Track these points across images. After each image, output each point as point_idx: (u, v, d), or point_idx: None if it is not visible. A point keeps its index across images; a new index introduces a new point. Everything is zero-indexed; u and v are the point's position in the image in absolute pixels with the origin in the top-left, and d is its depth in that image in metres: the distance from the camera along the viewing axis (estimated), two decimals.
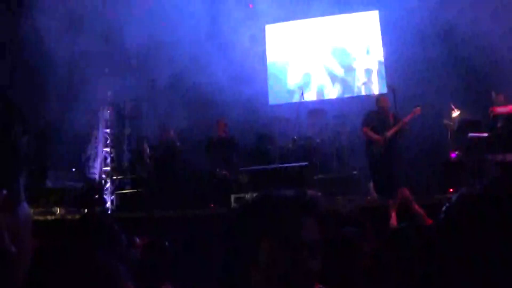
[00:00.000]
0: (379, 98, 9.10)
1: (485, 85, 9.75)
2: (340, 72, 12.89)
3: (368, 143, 8.97)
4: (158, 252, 3.64)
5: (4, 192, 0.74)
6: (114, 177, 12.28)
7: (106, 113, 13.02)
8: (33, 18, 10.04)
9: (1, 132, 0.75)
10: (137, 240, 4.55)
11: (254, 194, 1.49)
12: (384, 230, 4.98)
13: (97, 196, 10.78)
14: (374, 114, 8.97)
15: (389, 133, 8.51)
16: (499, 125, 8.93)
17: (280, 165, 8.84)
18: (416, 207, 7.06)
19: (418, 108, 8.79)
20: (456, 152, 9.31)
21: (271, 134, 10.93)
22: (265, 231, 1.38)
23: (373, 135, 8.80)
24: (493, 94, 9.05)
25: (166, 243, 3.79)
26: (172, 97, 11.79)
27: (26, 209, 0.82)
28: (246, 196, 7.96)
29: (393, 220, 7.07)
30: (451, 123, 9.48)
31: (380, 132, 8.72)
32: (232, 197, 8.45)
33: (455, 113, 9.36)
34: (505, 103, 8.86)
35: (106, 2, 12.11)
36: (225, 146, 9.85)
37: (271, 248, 1.37)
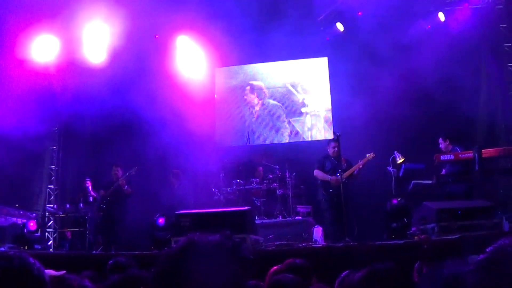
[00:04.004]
0: (331, 142, 9.23)
1: (430, 134, 9.88)
2: (287, 117, 12.90)
3: (323, 185, 9.08)
4: None
5: None
6: (57, 215, 11.93)
7: (53, 150, 12.91)
8: None
9: None
10: None
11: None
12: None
13: (38, 234, 10.52)
14: (327, 157, 9.20)
15: (345, 175, 8.69)
16: (443, 172, 9.04)
17: (222, 209, 8.69)
18: None
19: (372, 153, 8.98)
20: (398, 199, 9.36)
21: (216, 177, 10.74)
22: (190, 276, 1.36)
23: (325, 176, 9.00)
24: (440, 140, 9.18)
25: None
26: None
27: None
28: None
29: None
30: (395, 170, 9.53)
31: (332, 174, 8.99)
32: (172, 240, 8.18)
33: (400, 160, 9.42)
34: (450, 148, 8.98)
35: None
36: None
37: None
